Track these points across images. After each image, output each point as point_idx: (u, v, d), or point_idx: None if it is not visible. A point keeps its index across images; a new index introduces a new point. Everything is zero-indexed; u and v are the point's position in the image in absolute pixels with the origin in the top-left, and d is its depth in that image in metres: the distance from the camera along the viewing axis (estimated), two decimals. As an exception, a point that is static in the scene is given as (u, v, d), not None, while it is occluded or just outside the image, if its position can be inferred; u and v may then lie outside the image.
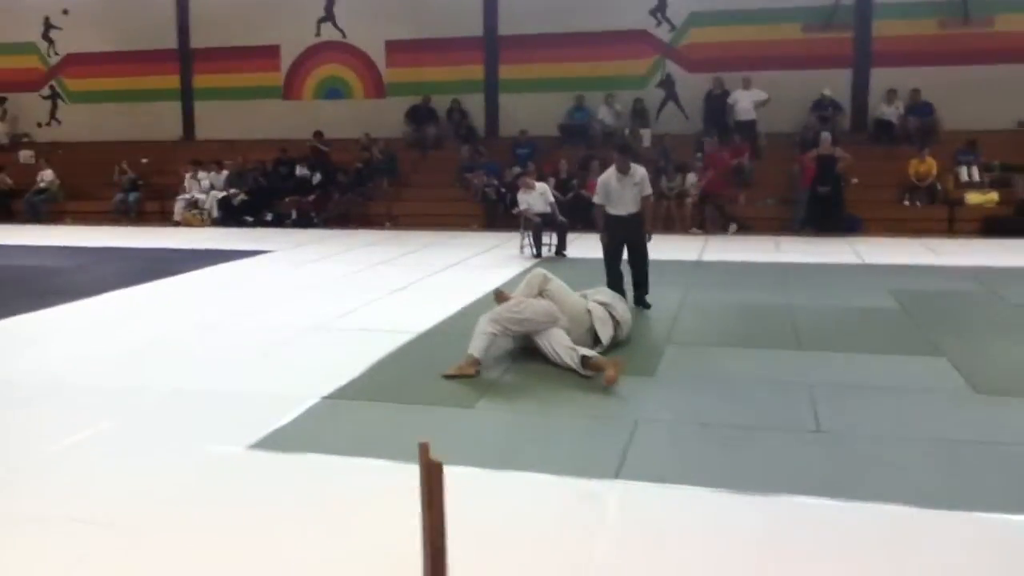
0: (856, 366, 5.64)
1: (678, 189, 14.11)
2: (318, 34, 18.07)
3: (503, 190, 14.61)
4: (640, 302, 7.53)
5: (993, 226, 12.84)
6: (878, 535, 3.25)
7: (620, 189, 7.47)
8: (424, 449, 1.83)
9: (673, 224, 13.65)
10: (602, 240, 7.66)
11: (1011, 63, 14.83)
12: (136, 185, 16.88)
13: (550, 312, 5.72)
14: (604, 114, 16.17)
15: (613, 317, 6.10)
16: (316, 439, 4.34)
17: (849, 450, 4.12)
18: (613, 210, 7.55)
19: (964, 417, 4.59)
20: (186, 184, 16.30)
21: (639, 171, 7.52)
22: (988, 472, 3.82)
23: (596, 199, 7.71)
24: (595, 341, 5.91)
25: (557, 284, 5.99)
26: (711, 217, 13.73)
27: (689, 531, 3.31)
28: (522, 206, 11.41)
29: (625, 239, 7.55)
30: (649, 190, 7.59)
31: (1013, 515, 3.39)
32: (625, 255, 7.65)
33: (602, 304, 6.12)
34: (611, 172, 7.55)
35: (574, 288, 6.22)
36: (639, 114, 15.96)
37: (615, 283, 7.45)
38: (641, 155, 7.69)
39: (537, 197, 11.36)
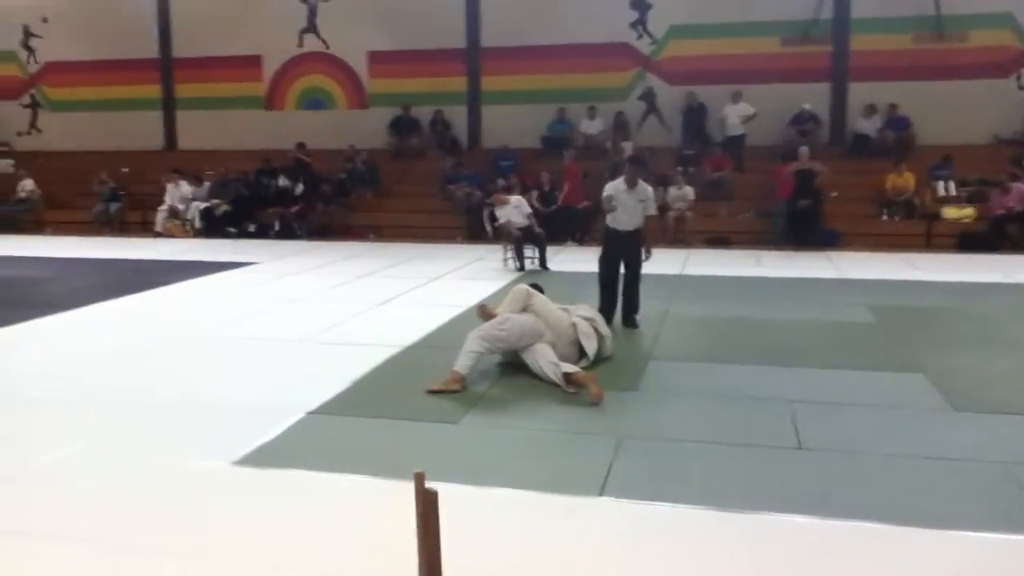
0: (835, 382, 5.71)
1: (659, 202, 14.17)
2: (300, 45, 18.09)
3: (488, 200, 14.64)
4: (629, 322, 7.49)
5: (969, 241, 13.00)
6: (857, 553, 3.31)
7: (626, 201, 7.45)
8: (419, 479, 1.85)
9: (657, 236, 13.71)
10: (601, 262, 7.61)
11: (985, 79, 15.08)
12: (116, 195, 16.79)
13: (536, 328, 5.77)
14: (586, 126, 16.29)
15: (597, 331, 6.16)
16: (302, 455, 4.34)
17: (829, 468, 4.18)
18: (615, 224, 7.52)
19: (941, 434, 4.66)
20: (168, 194, 16.21)
21: (647, 189, 7.54)
22: (963, 490, 3.89)
23: (604, 205, 7.56)
24: (580, 354, 5.96)
25: (541, 299, 6.04)
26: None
27: (673, 549, 3.36)
28: (502, 220, 11.47)
29: (622, 255, 7.53)
30: (653, 210, 7.65)
31: (986, 533, 3.45)
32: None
33: (586, 319, 6.18)
34: (619, 183, 7.51)
35: (555, 302, 6.27)
36: (621, 126, 16.06)
37: (608, 309, 7.40)
38: (622, 167, 7.77)
39: (513, 211, 11.40)
